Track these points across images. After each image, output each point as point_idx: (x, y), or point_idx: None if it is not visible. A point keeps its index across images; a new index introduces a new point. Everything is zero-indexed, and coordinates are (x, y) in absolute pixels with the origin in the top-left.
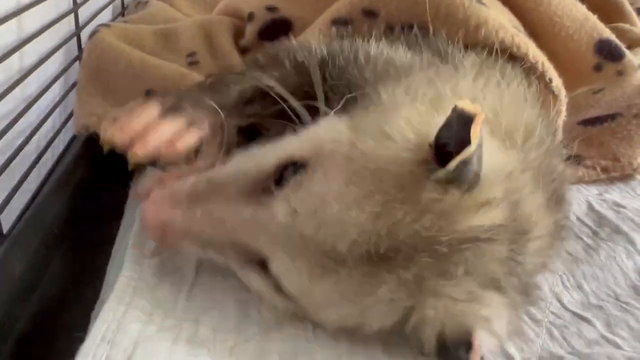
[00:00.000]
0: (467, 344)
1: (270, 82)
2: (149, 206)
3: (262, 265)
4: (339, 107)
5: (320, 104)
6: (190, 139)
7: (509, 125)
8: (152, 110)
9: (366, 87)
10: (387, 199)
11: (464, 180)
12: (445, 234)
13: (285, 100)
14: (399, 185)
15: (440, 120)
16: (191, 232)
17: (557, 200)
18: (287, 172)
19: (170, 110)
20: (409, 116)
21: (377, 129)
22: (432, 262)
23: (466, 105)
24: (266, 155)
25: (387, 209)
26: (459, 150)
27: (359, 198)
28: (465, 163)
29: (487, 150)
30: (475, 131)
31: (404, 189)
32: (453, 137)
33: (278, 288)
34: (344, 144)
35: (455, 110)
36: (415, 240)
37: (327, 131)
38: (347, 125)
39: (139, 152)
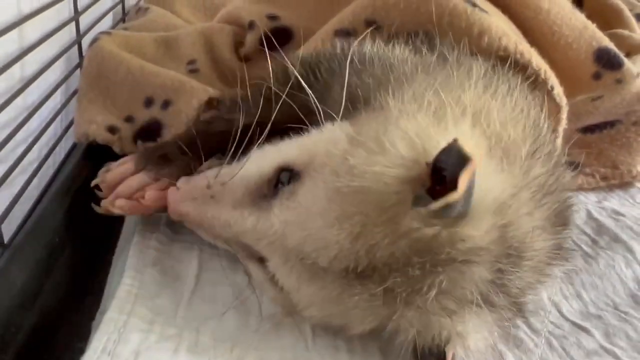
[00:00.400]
0: (439, 357)
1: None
2: (171, 194)
3: (261, 260)
4: (339, 114)
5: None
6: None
7: (514, 139)
8: (125, 166)
9: (369, 92)
10: (366, 221)
11: (448, 217)
12: (420, 257)
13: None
14: (381, 208)
15: (440, 134)
16: (203, 225)
17: (558, 218)
18: (282, 177)
19: (143, 164)
20: (409, 128)
21: (375, 139)
22: (405, 282)
23: (465, 144)
24: (266, 159)
25: (366, 231)
26: (450, 186)
27: (340, 216)
28: (450, 205)
29: (480, 178)
30: (465, 179)
31: (385, 212)
32: (448, 169)
33: (274, 282)
34: (336, 157)
35: (455, 142)
36: (390, 262)
37: (325, 140)
38: (347, 134)
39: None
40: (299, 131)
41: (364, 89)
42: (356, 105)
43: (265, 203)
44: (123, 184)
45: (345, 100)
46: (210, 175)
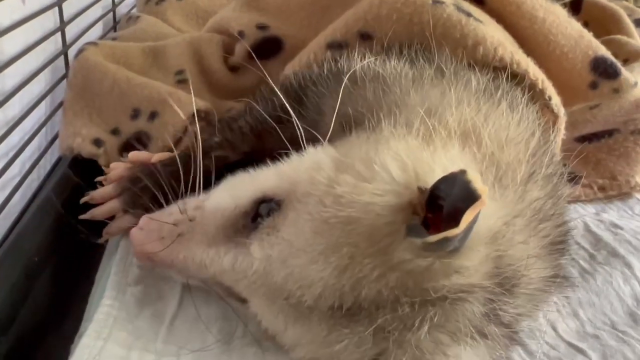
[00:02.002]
0: None
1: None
2: (135, 235)
3: (243, 300)
4: (326, 138)
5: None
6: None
7: (512, 160)
8: (112, 205)
9: (360, 113)
10: (355, 252)
11: (442, 250)
12: (410, 294)
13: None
14: (371, 238)
15: (430, 158)
16: (174, 267)
17: (555, 245)
18: (261, 208)
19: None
20: (400, 149)
21: (364, 160)
22: (394, 319)
23: (475, 180)
24: (243, 190)
25: (354, 263)
26: (448, 217)
27: (326, 250)
28: (449, 239)
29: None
30: (470, 216)
31: (376, 243)
32: (450, 199)
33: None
34: (321, 184)
35: (462, 174)
36: (378, 300)
37: (307, 167)
38: (332, 158)
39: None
40: (277, 158)
41: (354, 111)
42: (346, 127)
43: (242, 239)
44: (112, 226)
45: (335, 124)
46: (174, 211)
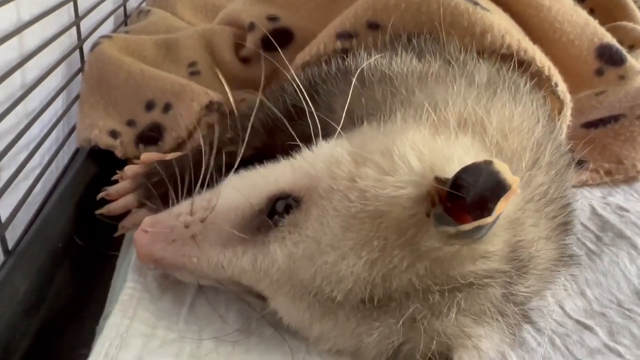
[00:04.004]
0: None
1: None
2: (140, 238)
3: (262, 297)
4: (335, 133)
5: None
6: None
7: (517, 148)
8: (127, 199)
9: (370, 109)
10: (385, 243)
11: (471, 238)
12: (438, 282)
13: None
14: (400, 230)
15: (444, 148)
16: (185, 269)
17: (562, 226)
18: (277, 205)
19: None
20: (417, 139)
21: (382, 152)
22: (424, 308)
23: (504, 170)
24: (256, 187)
25: (384, 255)
26: (476, 207)
27: (356, 244)
28: (479, 227)
29: None
30: (503, 205)
31: (404, 234)
32: (476, 189)
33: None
34: (343, 180)
35: (489, 164)
36: (408, 289)
37: (325, 161)
38: (349, 152)
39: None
40: (288, 153)
41: (364, 107)
42: (357, 120)
43: (259, 237)
44: (127, 220)
45: (345, 119)
46: (182, 211)
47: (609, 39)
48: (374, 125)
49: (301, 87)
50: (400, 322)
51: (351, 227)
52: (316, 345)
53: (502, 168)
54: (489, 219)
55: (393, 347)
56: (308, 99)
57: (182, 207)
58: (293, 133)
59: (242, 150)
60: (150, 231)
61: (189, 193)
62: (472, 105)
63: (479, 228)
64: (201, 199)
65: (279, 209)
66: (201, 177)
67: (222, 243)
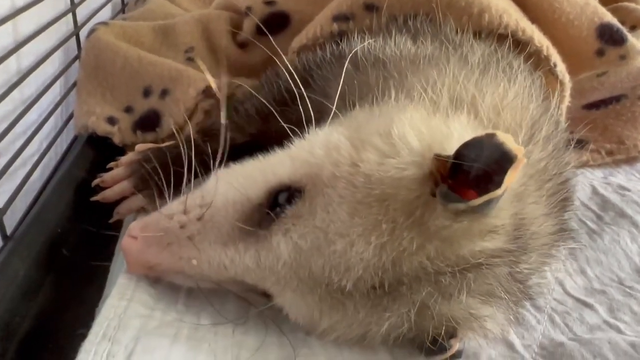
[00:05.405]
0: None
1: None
2: (130, 245)
3: (265, 294)
4: (329, 118)
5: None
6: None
7: (511, 124)
8: (122, 186)
9: (364, 93)
10: (394, 226)
11: (480, 213)
12: (449, 263)
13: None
14: (407, 211)
15: (442, 125)
16: (182, 273)
17: (561, 202)
18: (280, 197)
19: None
20: (415, 117)
21: (381, 138)
22: (435, 291)
23: (509, 141)
24: (252, 180)
25: (393, 238)
26: (481, 181)
27: (365, 230)
28: (490, 201)
29: None
30: (512, 176)
31: (412, 215)
32: (480, 162)
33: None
34: (345, 166)
35: (491, 137)
36: (419, 273)
37: (323, 147)
38: (347, 137)
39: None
40: (284, 140)
41: (358, 91)
42: (349, 103)
43: (261, 232)
44: (122, 207)
45: (339, 103)
46: (174, 211)
47: (610, 18)
48: (367, 107)
49: (292, 71)
50: (412, 309)
51: (358, 213)
52: (322, 337)
53: (506, 139)
54: (499, 191)
55: (402, 334)
56: (300, 84)
57: (174, 207)
58: (281, 121)
59: (238, 137)
60: (141, 236)
61: (182, 182)
62: (464, 83)
63: (488, 202)
64: (194, 197)
65: (281, 201)
66: (192, 168)
67: (222, 242)
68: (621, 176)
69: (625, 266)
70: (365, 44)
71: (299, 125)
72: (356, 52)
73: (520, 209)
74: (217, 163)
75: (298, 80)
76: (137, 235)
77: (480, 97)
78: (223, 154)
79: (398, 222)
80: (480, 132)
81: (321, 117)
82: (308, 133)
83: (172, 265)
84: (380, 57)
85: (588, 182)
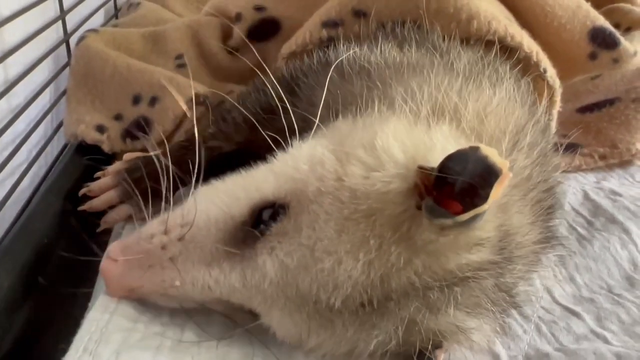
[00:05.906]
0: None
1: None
2: (109, 268)
3: (253, 314)
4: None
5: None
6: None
7: (494, 132)
8: (109, 195)
9: (348, 103)
10: (381, 242)
11: (466, 227)
12: (437, 278)
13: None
14: (394, 226)
15: (424, 136)
16: (165, 295)
17: (546, 208)
18: (264, 213)
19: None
20: (398, 129)
21: (365, 151)
22: (423, 306)
23: (493, 155)
24: (235, 197)
25: (381, 254)
26: (465, 194)
27: (353, 247)
28: (476, 216)
29: None
30: (498, 190)
31: (399, 229)
32: (464, 176)
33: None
34: (330, 180)
35: (475, 150)
36: (407, 288)
37: (307, 162)
38: (331, 150)
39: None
40: (271, 150)
41: (342, 100)
42: (332, 114)
43: (246, 250)
44: (109, 216)
45: (324, 113)
46: (155, 232)
47: (602, 21)
48: (349, 118)
49: (275, 83)
50: (400, 325)
51: (346, 230)
52: (310, 354)
53: (490, 152)
54: (485, 206)
55: (390, 350)
56: (285, 95)
57: (153, 227)
58: (267, 130)
59: (225, 145)
60: (121, 260)
61: (169, 192)
62: (447, 91)
63: (474, 216)
64: (174, 216)
65: (265, 218)
66: (171, 181)
67: (206, 262)
68: (614, 180)
69: (615, 273)
70: (351, 52)
71: (288, 134)
72: (342, 60)
73: (504, 220)
74: (193, 182)
75: (282, 93)
76: (116, 258)
77: (463, 105)
78: (199, 172)
79: (385, 237)
80: (462, 142)
81: (308, 125)
82: (291, 146)
83: (155, 288)
84: (365, 65)
85: (580, 187)
